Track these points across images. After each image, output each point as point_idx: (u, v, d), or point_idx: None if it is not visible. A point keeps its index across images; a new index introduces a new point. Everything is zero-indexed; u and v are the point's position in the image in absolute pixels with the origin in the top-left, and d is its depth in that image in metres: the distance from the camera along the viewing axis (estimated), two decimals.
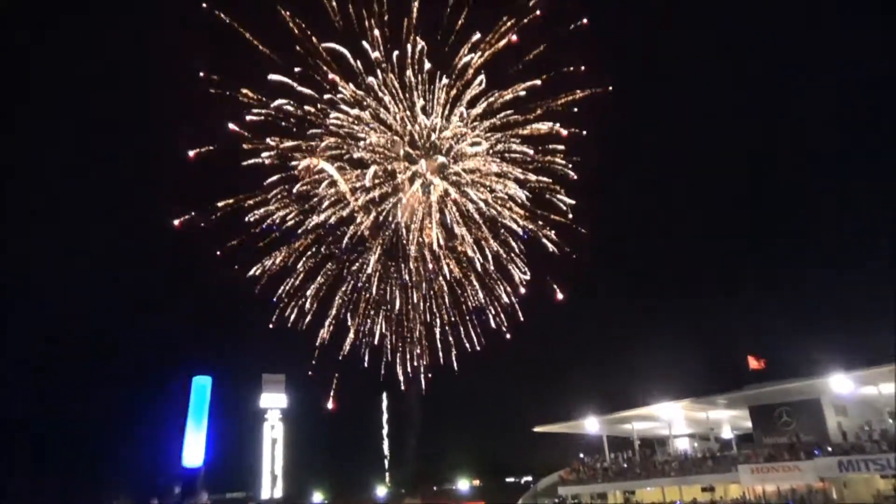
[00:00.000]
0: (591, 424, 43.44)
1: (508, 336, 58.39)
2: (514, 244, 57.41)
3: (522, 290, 57.89)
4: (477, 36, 51.20)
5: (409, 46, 51.07)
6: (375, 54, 50.83)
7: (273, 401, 70.83)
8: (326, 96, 51.61)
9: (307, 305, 55.73)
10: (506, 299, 58.49)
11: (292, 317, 55.93)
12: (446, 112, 53.50)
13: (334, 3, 49.27)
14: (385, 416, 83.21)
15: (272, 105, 50.74)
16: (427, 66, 51.73)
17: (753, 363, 38.67)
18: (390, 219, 56.60)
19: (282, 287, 54.68)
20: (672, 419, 40.96)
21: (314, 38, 49.81)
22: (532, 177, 55.47)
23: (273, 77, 49.79)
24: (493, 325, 59.87)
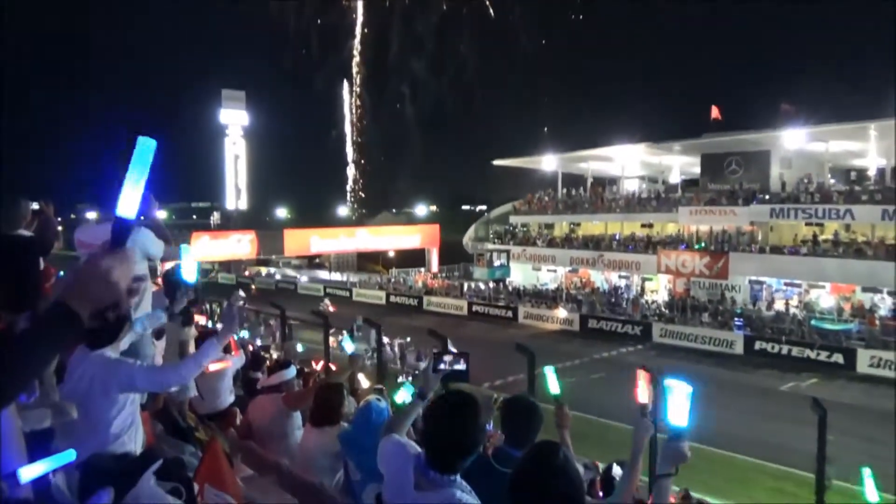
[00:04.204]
0: (549, 162, 44.70)
1: None
2: None
3: None
4: None
5: None
6: None
7: (234, 117, 70.00)
8: None
9: None
10: None
11: None
12: None
13: None
14: (348, 137, 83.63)
15: None
16: None
17: (715, 113, 38.97)
18: None
19: None
20: (626, 161, 42.32)
21: None
22: None
23: None
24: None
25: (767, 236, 33.39)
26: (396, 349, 23.30)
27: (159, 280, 4.97)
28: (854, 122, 30.38)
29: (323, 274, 55.28)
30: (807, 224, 32.31)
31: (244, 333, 18.32)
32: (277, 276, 55.30)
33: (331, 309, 28.44)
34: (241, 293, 5.40)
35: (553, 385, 3.76)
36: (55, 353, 1.39)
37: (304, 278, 53.41)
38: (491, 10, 55.08)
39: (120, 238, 1.46)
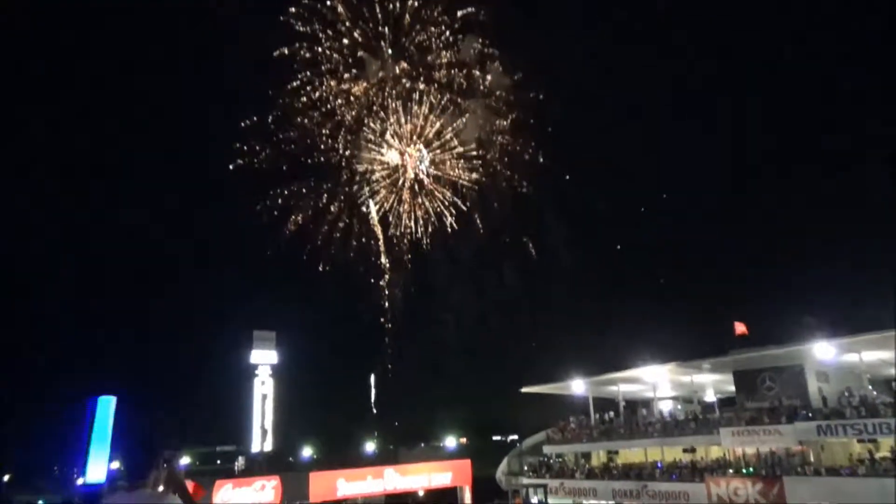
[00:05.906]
0: (578, 386, 44.07)
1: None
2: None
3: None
4: None
5: None
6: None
7: (263, 357, 71.34)
8: None
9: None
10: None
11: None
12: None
13: None
14: (373, 377, 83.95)
15: None
16: None
17: (740, 329, 39.10)
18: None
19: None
20: (657, 382, 41.60)
21: None
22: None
23: None
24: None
25: (820, 456, 31.33)
26: None
27: None
28: (881, 332, 30.06)
29: None
30: (859, 441, 30.44)
31: None
32: None
33: None
34: None
35: None
36: None
37: None
38: (532, 250, 57.86)
39: (92, 501, 1.46)
